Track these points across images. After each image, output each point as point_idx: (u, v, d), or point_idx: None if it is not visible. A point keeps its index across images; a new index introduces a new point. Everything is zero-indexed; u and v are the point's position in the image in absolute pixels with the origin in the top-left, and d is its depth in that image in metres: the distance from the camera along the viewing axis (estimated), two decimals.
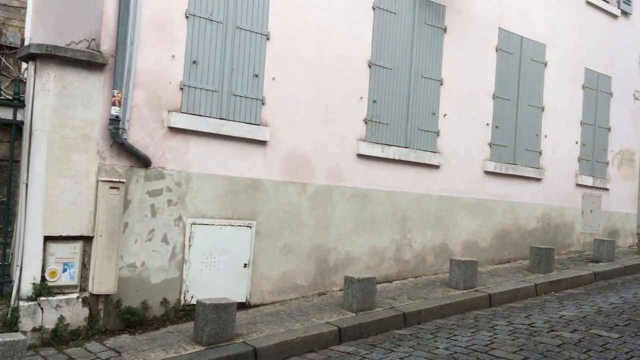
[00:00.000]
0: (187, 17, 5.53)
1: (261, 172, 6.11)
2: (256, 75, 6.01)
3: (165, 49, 5.41)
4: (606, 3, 10.29)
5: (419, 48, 7.47)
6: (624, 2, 10.51)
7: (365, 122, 6.97)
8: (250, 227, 6.00)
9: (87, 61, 4.87)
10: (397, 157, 7.25)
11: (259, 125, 6.04)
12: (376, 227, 7.11)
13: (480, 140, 8.27)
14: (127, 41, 5.10)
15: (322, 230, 6.63)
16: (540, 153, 9.09)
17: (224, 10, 5.78)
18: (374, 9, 6.99)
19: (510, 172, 8.63)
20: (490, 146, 8.39)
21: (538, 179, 9.08)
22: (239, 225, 5.92)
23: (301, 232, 6.45)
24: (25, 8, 6.24)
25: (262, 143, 6.09)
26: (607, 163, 10.35)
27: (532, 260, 7.95)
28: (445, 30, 7.73)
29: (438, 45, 7.69)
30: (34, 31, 6.25)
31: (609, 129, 10.33)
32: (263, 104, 6.07)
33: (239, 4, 5.88)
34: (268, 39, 6.08)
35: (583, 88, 9.81)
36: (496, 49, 8.39)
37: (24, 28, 6.21)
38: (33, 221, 4.71)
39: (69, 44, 5.41)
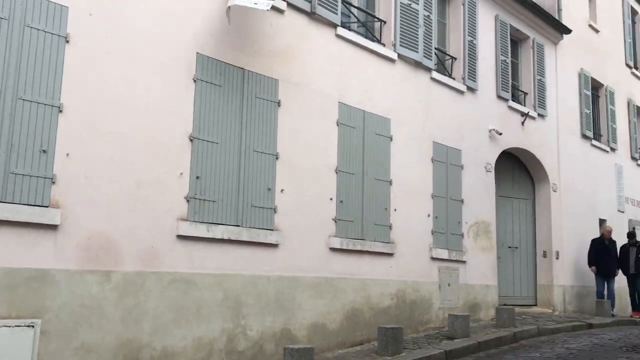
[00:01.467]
0: None
1: (50, 261, 5.31)
2: (44, 151, 5.33)
3: None
4: (452, 80, 10.64)
5: (250, 121, 7.14)
6: (469, 78, 10.93)
7: (188, 200, 6.41)
8: (33, 326, 5.12)
9: None
10: (226, 237, 6.69)
11: (47, 207, 5.29)
12: (202, 315, 6.41)
13: (323, 215, 7.92)
14: None
15: (133, 324, 5.83)
16: (391, 227, 8.89)
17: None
18: (195, 81, 6.61)
19: (359, 247, 8.31)
20: (336, 222, 8.06)
21: (390, 254, 8.82)
22: (16, 326, 5.02)
23: (104, 328, 5.62)
24: None
25: (52, 227, 5.33)
26: (463, 235, 10.35)
27: (380, 341, 7.49)
28: (279, 103, 7.48)
29: (272, 118, 7.40)
30: None
31: (462, 201, 10.41)
32: (53, 182, 5.36)
33: (23, 73, 5.26)
34: (61, 111, 5.47)
35: (432, 161, 9.88)
36: (337, 122, 8.25)
37: None
38: None
39: None
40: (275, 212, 7.29)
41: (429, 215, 9.67)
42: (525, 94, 12.72)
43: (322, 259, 7.84)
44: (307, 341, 7.36)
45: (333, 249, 7.97)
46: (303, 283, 7.53)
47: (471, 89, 11.00)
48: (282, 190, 7.39)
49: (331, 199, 8.04)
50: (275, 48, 7.53)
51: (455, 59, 10.90)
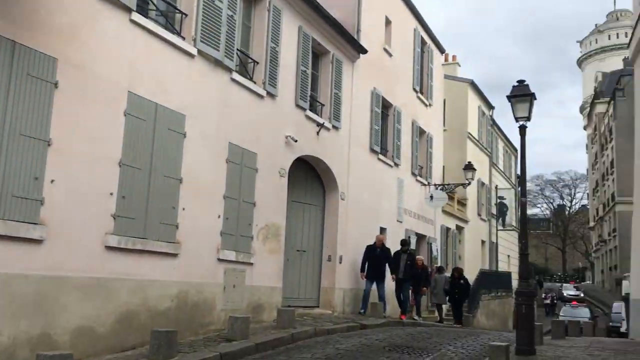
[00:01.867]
0: None
1: None
2: None
3: None
4: (252, 83, 10.68)
5: (18, 101, 6.35)
6: (269, 84, 11.08)
7: None
8: None
9: None
10: None
11: None
12: None
13: (101, 211, 7.36)
14: None
15: None
16: (177, 227, 8.59)
17: None
18: None
19: (139, 247, 7.87)
20: (115, 218, 7.54)
21: (174, 255, 8.52)
22: None
23: None
24: None
25: None
26: (252, 237, 10.43)
27: (152, 345, 7.13)
28: (56, 85, 6.77)
29: (46, 100, 6.66)
30: None
31: (254, 204, 10.49)
32: None
33: None
34: None
35: (227, 162, 9.80)
36: (125, 113, 7.74)
37: None
38: None
39: None
40: (42, 204, 6.57)
41: (219, 216, 9.56)
42: (323, 105, 13.33)
43: (96, 258, 7.26)
44: (69, 347, 6.71)
45: (109, 248, 7.44)
46: (70, 284, 6.89)
47: (271, 95, 11.16)
48: (52, 181, 6.69)
49: (111, 194, 7.51)
50: (56, 24, 6.81)
51: (258, 63, 10.98)
